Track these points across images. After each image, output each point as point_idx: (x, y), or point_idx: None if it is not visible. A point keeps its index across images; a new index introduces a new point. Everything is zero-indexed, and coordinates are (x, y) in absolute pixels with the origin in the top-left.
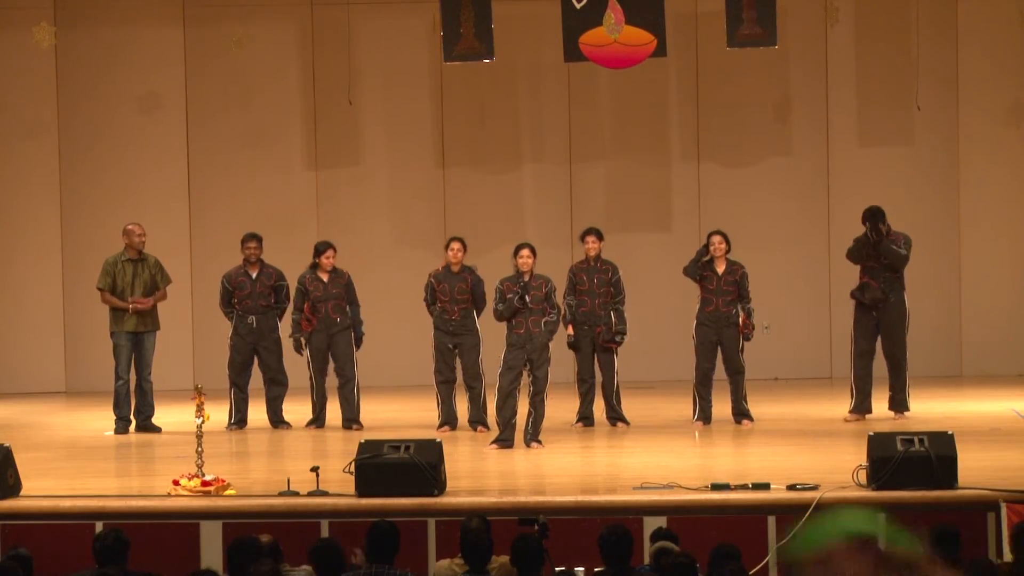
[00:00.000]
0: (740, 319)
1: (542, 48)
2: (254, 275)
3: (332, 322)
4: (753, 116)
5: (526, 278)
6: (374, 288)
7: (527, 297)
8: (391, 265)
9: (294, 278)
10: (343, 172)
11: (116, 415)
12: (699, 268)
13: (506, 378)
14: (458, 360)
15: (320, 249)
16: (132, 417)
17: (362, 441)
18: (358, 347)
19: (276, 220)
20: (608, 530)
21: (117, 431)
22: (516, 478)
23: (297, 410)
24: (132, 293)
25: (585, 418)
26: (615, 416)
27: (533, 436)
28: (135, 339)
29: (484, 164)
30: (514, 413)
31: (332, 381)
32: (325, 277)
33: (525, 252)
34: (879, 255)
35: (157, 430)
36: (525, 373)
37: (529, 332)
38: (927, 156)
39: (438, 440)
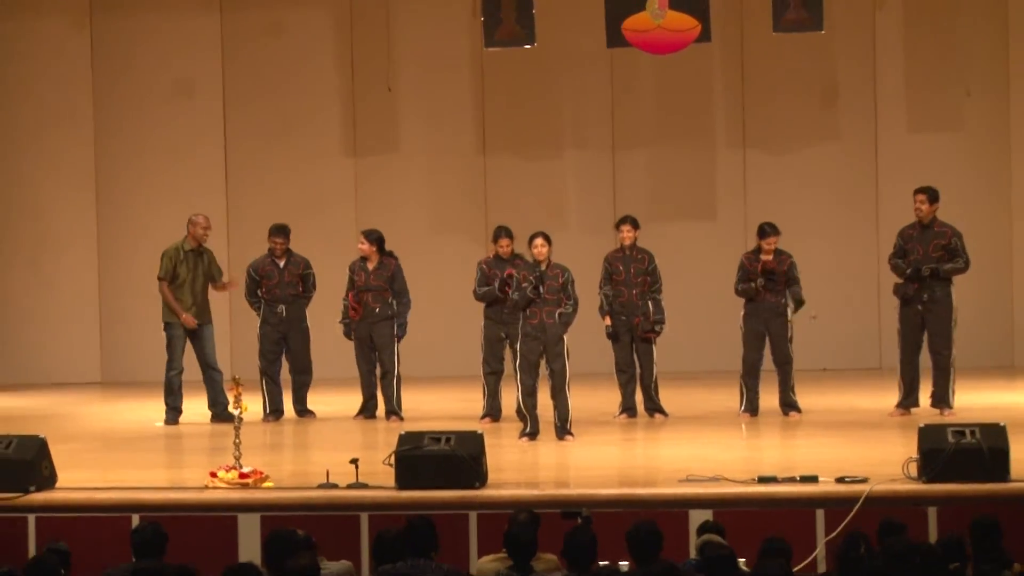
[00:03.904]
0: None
1: (584, 34)
2: (282, 264)
3: (372, 312)
4: (799, 102)
5: (543, 267)
6: (412, 277)
7: (541, 287)
8: (429, 254)
9: (330, 267)
10: (381, 159)
11: (168, 405)
12: (748, 275)
13: (526, 373)
14: (507, 351)
15: (367, 236)
16: (209, 409)
17: (402, 433)
18: (399, 337)
19: (313, 208)
20: (636, 526)
21: (167, 421)
22: (559, 471)
23: (335, 400)
24: (193, 285)
25: (628, 409)
26: (653, 407)
27: (563, 430)
28: (189, 332)
29: (525, 151)
30: (536, 404)
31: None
32: (371, 266)
33: (539, 241)
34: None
35: (232, 419)
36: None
37: (543, 323)
38: (977, 142)
39: (480, 432)
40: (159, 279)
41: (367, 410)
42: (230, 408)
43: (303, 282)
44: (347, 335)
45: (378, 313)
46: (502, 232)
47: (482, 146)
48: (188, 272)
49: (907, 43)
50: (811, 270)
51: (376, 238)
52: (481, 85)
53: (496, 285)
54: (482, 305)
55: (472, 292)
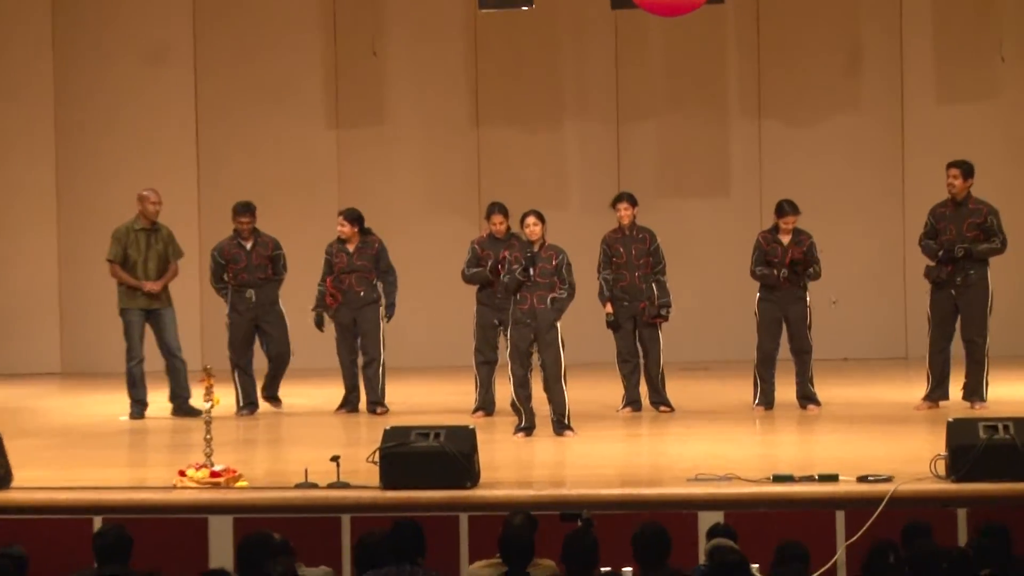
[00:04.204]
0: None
1: None
2: (249, 246)
3: (356, 296)
4: (819, 70)
5: (535, 248)
6: (400, 258)
7: (532, 269)
8: (418, 234)
9: (311, 248)
10: (367, 131)
11: (132, 398)
12: (765, 256)
13: (516, 362)
14: (502, 339)
15: (347, 216)
16: (170, 401)
17: (388, 428)
18: (388, 318)
19: (292, 184)
20: (642, 528)
21: (132, 415)
22: (557, 469)
23: (314, 393)
24: (145, 266)
25: (633, 402)
26: (659, 400)
27: (560, 426)
28: (149, 316)
29: (522, 122)
30: (530, 396)
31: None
32: (351, 247)
33: (531, 219)
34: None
35: (197, 413)
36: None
37: (533, 308)
38: (1012, 112)
39: (471, 427)
40: (108, 261)
41: (349, 403)
42: (193, 402)
43: (272, 264)
44: (318, 324)
45: (363, 297)
46: (495, 208)
47: (475, 117)
48: (139, 253)
49: (936, 6)
50: (832, 251)
51: (356, 217)
52: (475, 50)
53: (488, 267)
54: (474, 289)
55: (461, 273)
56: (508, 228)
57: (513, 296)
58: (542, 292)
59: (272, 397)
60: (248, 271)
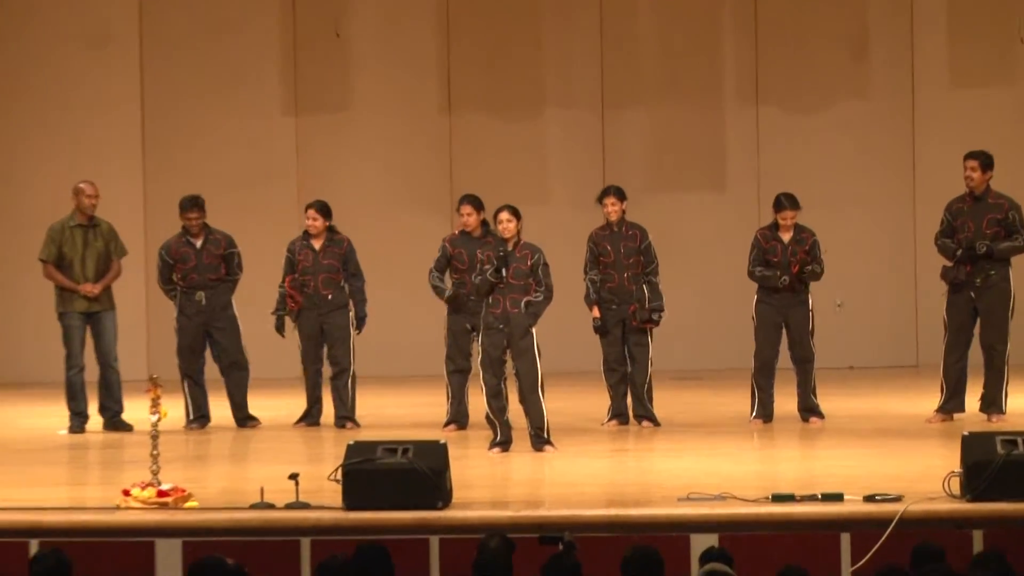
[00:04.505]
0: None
1: None
2: (199, 244)
3: (323, 299)
4: (823, 52)
5: (509, 246)
6: (365, 257)
7: (505, 270)
8: (386, 229)
9: (268, 245)
10: (328, 118)
11: (71, 410)
12: (763, 254)
13: (488, 372)
14: (475, 345)
15: (310, 208)
16: (100, 414)
17: (351, 443)
18: (359, 329)
19: (247, 176)
20: (632, 552)
21: (72, 429)
22: (536, 487)
23: (281, 405)
24: (83, 265)
25: (619, 415)
26: (643, 414)
27: (539, 440)
28: (88, 320)
29: (499, 109)
30: (505, 408)
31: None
32: (317, 244)
33: (504, 215)
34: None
35: (128, 428)
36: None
37: (507, 312)
38: None
39: (443, 441)
40: (42, 261)
41: (311, 416)
42: (127, 416)
43: (226, 263)
44: (279, 329)
45: (331, 301)
46: (464, 200)
47: (448, 103)
48: (75, 252)
49: None
50: (837, 249)
51: (328, 211)
52: (447, 30)
53: (492, 268)
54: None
55: (428, 273)
56: (483, 223)
57: (485, 299)
58: (516, 295)
59: (244, 419)
60: (198, 271)
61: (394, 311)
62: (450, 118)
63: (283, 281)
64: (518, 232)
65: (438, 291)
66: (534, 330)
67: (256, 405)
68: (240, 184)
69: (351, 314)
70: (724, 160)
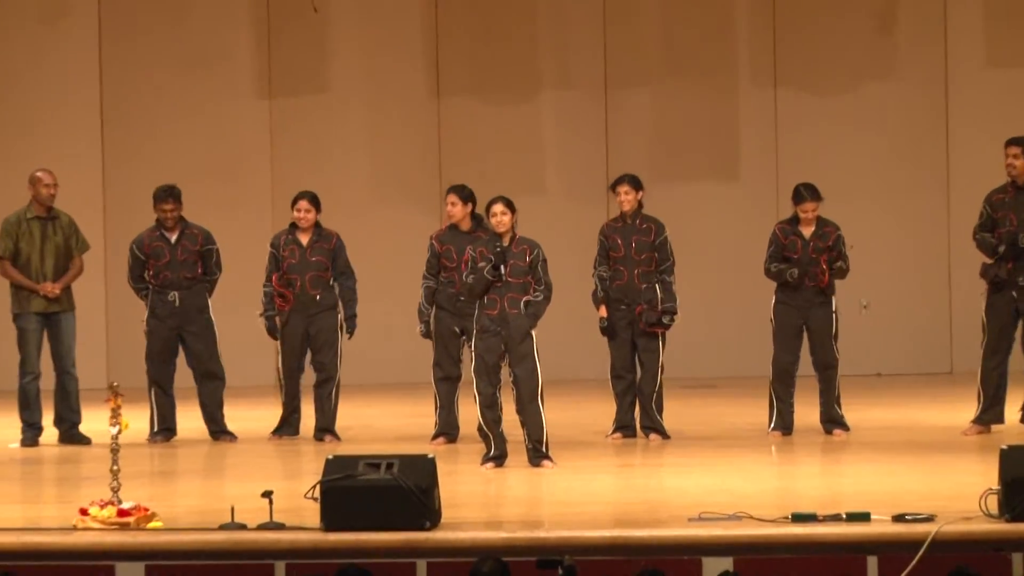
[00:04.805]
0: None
1: None
2: (173, 239)
3: (311, 300)
4: (847, 29)
5: (504, 241)
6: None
7: (502, 268)
8: (368, 223)
9: (240, 241)
10: (305, 101)
11: (24, 421)
12: (781, 250)
13: (482, 379)
14: (466, 350)
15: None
16: (55, 425)
17: (330, 457)
18: (350, 333)
19: (217, 164)
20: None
21: (24, 442)
22: (533, 506)
23: (256, 416)
24: (41, 262)
25: (624, 427)
26: (650, 425)
27: (537, 454)
28: (46, 322)
29: (490, 93)
30: (500, 419)
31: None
32: (305, 239)
33: (498, 207)
34: None
35: (86, 441)
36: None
37: (504, 314)
38: None
39: (430, 456)
40: None
41: (288, 426)
42: (85, 428)
43: (203, 261)
44: (271, 332)
45: (320, 301)
46: (451, 190)
47: (436, 86)
48: (33, 247)
49: None
50: (863, 245)
51: (318, 202)
52: (435, 7)
53: (487, 265)
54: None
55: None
56: (473, 216)
57: (479, 300)
58: (514, 294)
59: (220, 432)
60: (172, 269)
61: (378, 314)
62: (438, 102)
63: (268, 279)
64: (513, 225)
65: (421, 315)
66: (534, 333)
67: (229, 416)
68: (208, 173)
69: (340, 316)
70: (738, 147)
